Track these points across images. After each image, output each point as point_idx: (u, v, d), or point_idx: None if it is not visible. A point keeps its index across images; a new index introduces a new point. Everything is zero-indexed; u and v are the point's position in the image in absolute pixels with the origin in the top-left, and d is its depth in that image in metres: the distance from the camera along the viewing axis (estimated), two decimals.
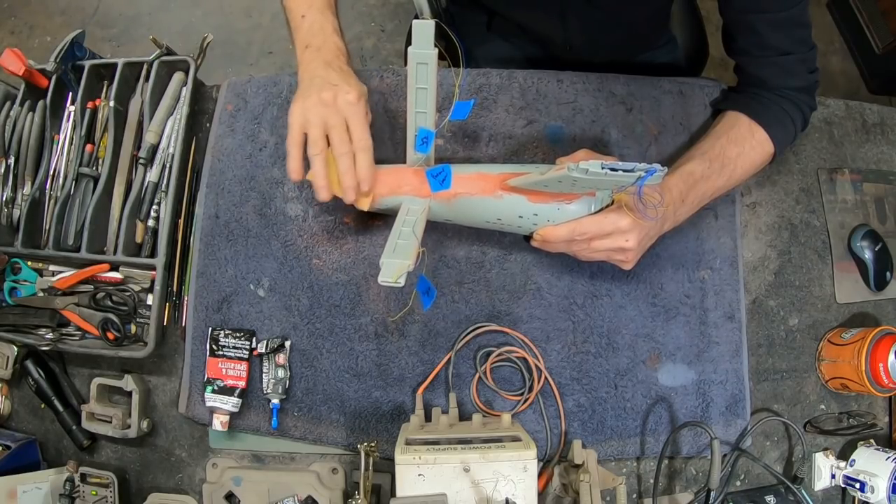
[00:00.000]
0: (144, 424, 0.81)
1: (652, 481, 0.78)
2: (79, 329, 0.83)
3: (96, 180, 0.84)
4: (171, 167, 0.84)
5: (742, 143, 0.76)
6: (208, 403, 0.78)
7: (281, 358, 0.80)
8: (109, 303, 0.83)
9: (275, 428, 0.80)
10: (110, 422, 0.80)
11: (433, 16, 0.98)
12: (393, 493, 0.68)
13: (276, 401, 0.79)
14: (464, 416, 0.77)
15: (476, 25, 1.03)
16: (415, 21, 0.62)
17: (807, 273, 0.87)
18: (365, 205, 0.73)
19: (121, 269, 0.83)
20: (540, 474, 0.76)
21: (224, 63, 1.95)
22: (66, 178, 0.85)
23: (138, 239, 0.84)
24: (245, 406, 0.80)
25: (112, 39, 2.04)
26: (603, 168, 0.55)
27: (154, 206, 0.84)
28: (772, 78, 0.77)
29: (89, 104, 0.87)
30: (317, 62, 0.70)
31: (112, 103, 0.85)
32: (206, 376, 0.79)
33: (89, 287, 0.83)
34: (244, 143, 0.86)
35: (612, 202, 0.67)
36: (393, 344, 0.81)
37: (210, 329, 0.81)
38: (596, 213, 0.67)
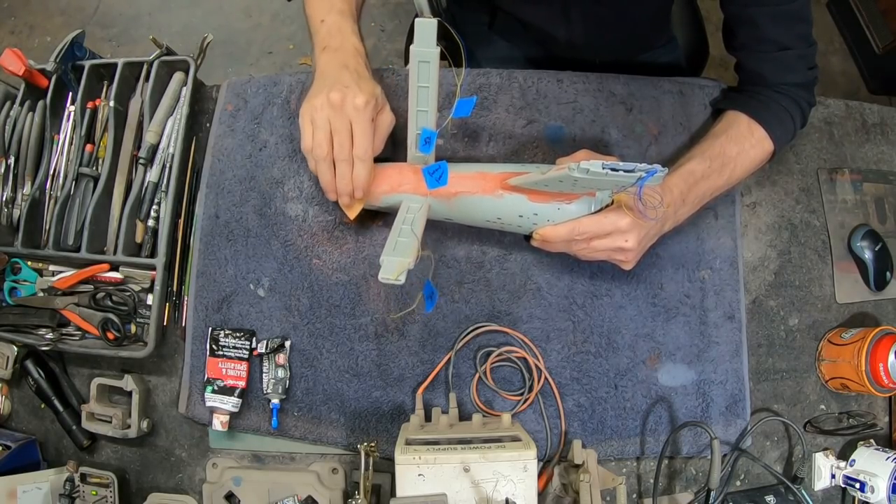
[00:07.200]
0: (144, 424, 0.81)
1: (652, 481, 0.78)
2: (79, 329, 0.83)
3: (96, 180, 0.84)
4: (171, 167, 0.84)
5: (741, 142, 0.76)
6: (208, 403, 0.78)
7: (281, 358, 0.80)
8: (109, 303, 0.83)
9: (275, 428, 0.80)
10: (110, 422, 0.80)
11: (434, 16, 0.98)
12: (393, 493, 0.68)
13: (276, 401, 0.79)
14: (464, 416, 0.77)
15: (477, 25, 1.03)
16: (417, 19, 0.62)
17: (807, 273, 0.87)
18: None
19: (121, 269, 0.83)
20: (540, 474, 0.76)
21: (224, 63, 1.95)
22: (66, 178, 0.85)
23: (138, 239, 0.84)
24: (245, 406, 0.80)
25: (112, 39, 2.04)
26: (603, 168, 0.55)
27: (154, 206, 0.84)
28: (771, 73, 0.77)
29: (89, 104, 0.87)
30: (333, 63, 0.70)
31: (112, 103, 0.85)
32: (206, 376, 0.79)
33: (89, 287, 0.83)
34: (244, 143, 0.86)
35: (612, 202, 0.67)
36: (393, 344, 0.81)
37: (210, 329, 0.81)
38: (596, 212, 0.67)
